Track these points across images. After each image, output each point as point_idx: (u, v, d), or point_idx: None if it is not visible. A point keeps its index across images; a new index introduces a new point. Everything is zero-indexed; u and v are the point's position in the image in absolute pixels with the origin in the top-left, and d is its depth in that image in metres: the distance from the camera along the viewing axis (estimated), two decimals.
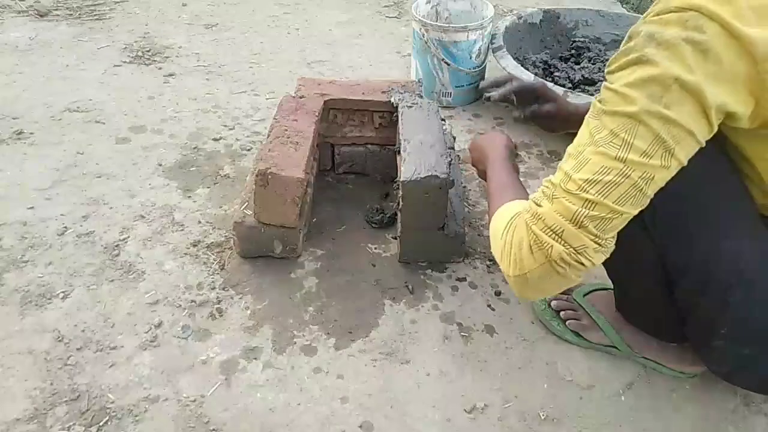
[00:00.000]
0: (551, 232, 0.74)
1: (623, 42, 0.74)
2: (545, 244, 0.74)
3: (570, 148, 0.76)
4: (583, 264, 0.75)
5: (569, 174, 0.74)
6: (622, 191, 0.72)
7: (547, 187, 0.77)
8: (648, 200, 0.74)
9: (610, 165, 0.71)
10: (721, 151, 0.84)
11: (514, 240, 0.78)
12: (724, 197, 0.83)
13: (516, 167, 1.13)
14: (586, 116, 0.77)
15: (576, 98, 1.61)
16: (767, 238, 0.86)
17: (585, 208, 0.72)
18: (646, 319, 1.08)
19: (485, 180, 1.15)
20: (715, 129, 0.71)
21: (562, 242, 0.74)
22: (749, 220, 0.86)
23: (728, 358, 0.93)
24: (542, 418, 1.04)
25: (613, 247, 0.77)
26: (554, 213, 0.74)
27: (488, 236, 1.40)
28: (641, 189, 0.72)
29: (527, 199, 0.92)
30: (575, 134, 0.78)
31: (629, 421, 1.05)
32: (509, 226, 0.81)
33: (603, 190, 0.71)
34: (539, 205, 0.76)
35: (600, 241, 0.74)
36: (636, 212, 0.74)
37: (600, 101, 0.74)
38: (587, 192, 0.72)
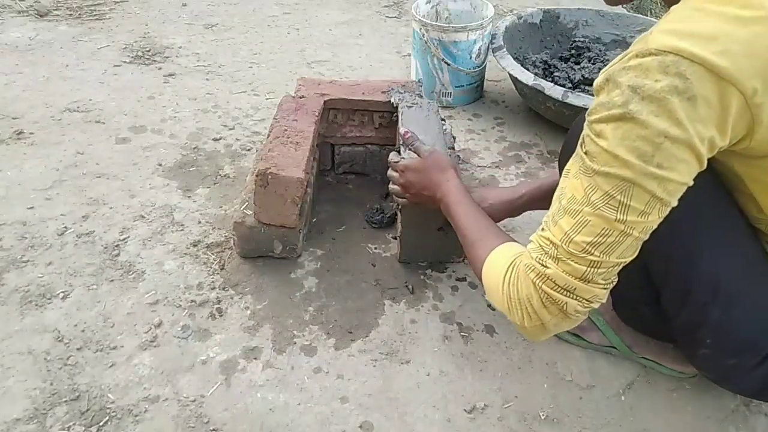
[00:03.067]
0: (563, 290, 0.76)
1: (602, 81, 0.71)
2: (559, 301, 0.76)
3: (564, 201, 0.75)
4: (594, 306, 0.78)
5: (570, 235, 0.74)
6: (625, 247, 0.73)
7: (546, 244, 0.77)
8: None
9: (610, 227, 0.72)
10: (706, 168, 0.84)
11: (520, 296, 0.79)
12: (705, 211, 0.82)
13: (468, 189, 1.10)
14: (574, 166, 0.75)
15: (576, 98, 1.61)
16: (747, 251, 0.86)
17: (591, 267, 0.74)
18: (642, 321, 1.08)
19: (430, 203, 1.13)
20: (705, 166, 0.70)
21: (575, 297, 0.76)
22: (730, 233, 0.86)
23: (716, 366, 0.94)
24: (542, 418, 1.04)
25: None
26: (563, 274, 0.75)
27: None
28: (641, 239, 0.74)
29: (503, 235, 0.94)
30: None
31: (629, 421, 1.05)
32: (507, 279, 0.82)
33: (606, 250, 0.73)
34: (545, 266, 0.76)
35: (608, 285, 0.77)
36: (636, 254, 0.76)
37: (587, 154, 0.72)
38: (591, 254, 0.73)
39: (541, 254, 0.77)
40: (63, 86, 1.92)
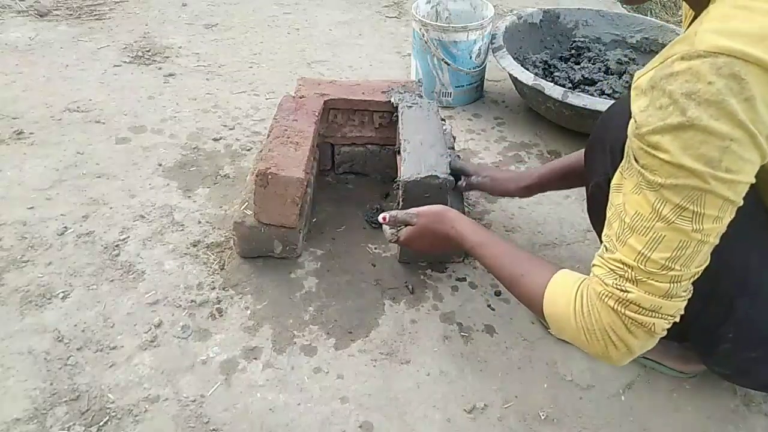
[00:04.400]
0: (650, 312, 0.74)
1: (645, 87, 0.69)
2: (646, 324, 0.74)
3: (627, 219, 0.73)
4: (677, 320, 0.76)
5: (644, 253, 0.72)
6: (703, 255, 0.71)
7: (620, 268, 0.74)
8: None
9: (687, 239, 0.70)
10: None
11: (600, 325, 0.76)
12: (738, 212, 0.82)
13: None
14: (629, 181, 0.73)
15: (576, 98, 1.61)
16: None
17: (674, 283, 0.72)
18: None
19: (452, 249, 1.13)
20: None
21: (661, 316, 0.74)
22: (758, 227, 0.85)
23: (734, 361, 0.93)
24: (542, 418, 1.04)
25: None
26: (647, 295, 0.73)
27: None
28: (715, 244, 0.72)
29: (547, 263, 0.90)
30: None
31: (629, 421, 1.05)
32: (579, 310, 0.78)
33: (686, 262, 0.71)
34: (625, 291, 0.74)
35: (688, 296, 0.75)
36: None
37: (646, 168, 0.70)
38: (672, 269, 0.71)
39: (616, 279, 0.74)
40: (63, 86, 1.92)
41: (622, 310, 0.74)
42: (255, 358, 1.11)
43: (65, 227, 1.37)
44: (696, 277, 0.74)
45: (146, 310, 1.19)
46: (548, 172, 1.25)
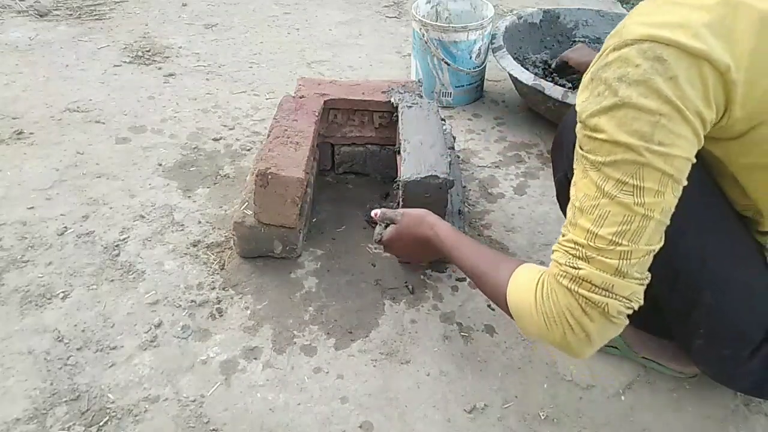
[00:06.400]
0: (602, 290, 0.75)
1: (586, 81, 0.75)
2: (600, 303, 0.75)
3: (578, 203, 0.76)
4: (634, 306, 0.77)
5: (593, 231, 0.74)
6: (650, 231, 0.73)
7: (572, 248, 0.76)
8: None
9: (630, 212, 0.72)
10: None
11: (558, 308, 0.77)
12: (692, 197, 0.82)
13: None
14: (578, 171, 0.77)
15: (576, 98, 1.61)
16: (735, 238, 0.87)
17: (623, 259, 0.73)
18: (640, 316, 1.07)
19: (434, 255, 1.12)
20: (703, 141, 0.73)
21: (615, 296, 0.75)
22: (717, 218, 0.87)
23: (711, 359, 0.94)
24: (542, 418, 1.04)
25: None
26: (597, 271, 0.74)
27: (488, 236, 1.41)
28: (663, 222, 0.74)
29: (514, 259, 0.92)
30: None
31: (629, 421, 1.05)
32: (539, 295, 0.79)
33: (634, 237, 0.73)
34: (577, 268, 0.75)
35: (644, 281, 0.76)
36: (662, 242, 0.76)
37: (590, 152, 0.74)
38: (620, 245, 0.73)
39: (569, 258, 0.76)
40: (63, 86, 1.92)
41: (576, 289, 0.75)
42: (255, 358, 1.11)
43: (65, 227, 1.37)
44: (648, 256, 0.75)
45: (146, 310, 1.19)
46: None
